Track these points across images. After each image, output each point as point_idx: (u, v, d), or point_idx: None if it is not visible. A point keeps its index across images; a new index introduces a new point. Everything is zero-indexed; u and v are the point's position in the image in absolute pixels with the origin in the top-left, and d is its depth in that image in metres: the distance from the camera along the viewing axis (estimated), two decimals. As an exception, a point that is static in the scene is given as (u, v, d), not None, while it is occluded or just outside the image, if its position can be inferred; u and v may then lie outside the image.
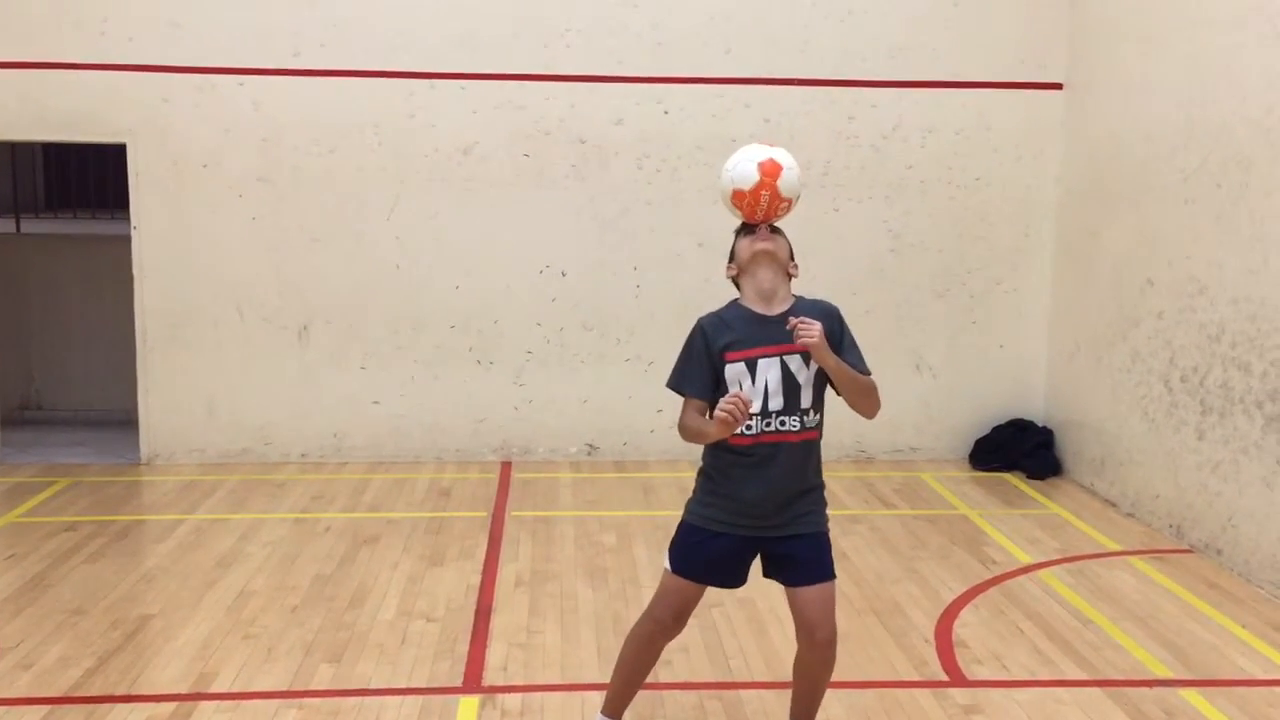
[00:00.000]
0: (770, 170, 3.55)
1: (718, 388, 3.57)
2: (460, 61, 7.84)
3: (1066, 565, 6.05)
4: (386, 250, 7.95)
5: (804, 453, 3.59)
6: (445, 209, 7.94)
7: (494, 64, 7.85)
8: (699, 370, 3.60)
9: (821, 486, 3.69)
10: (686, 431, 3.60)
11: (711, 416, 3.50)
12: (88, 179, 10.09)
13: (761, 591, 4.94)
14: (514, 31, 7.85)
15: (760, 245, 3.59)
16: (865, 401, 3.61)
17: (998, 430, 8.20)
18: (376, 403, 8.06)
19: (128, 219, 7.87)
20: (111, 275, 8.55)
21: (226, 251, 7.87)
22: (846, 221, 8.04)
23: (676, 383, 3.67)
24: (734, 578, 3.73)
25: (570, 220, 8.01)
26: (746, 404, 3.38)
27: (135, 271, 7.83)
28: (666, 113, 7.96)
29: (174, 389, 7.93)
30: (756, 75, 7.95)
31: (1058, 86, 8.04)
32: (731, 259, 3.69)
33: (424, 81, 7.84)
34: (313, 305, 7.95)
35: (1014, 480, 7.82)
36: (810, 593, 3.60)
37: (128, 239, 7.88)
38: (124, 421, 8.59)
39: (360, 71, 7.80)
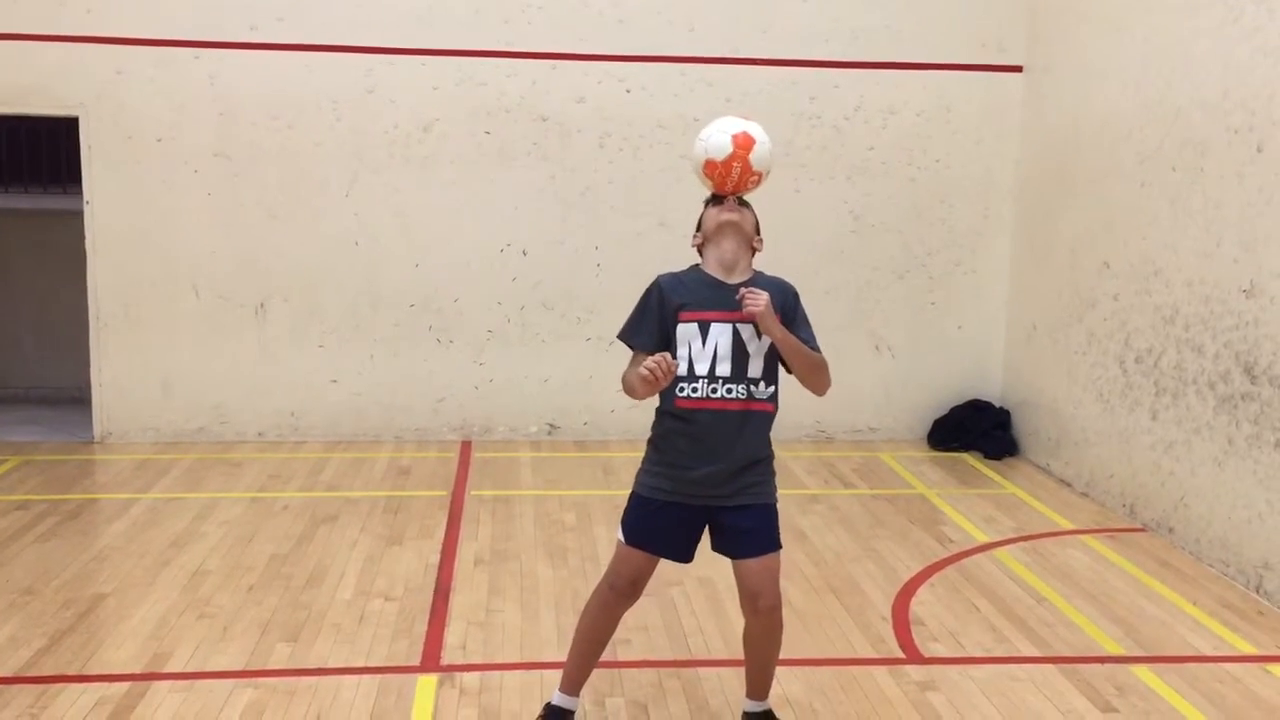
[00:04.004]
0: (744, 143, 3.59)
1: (667, 346, 3.59)
2: (420, 37, 7.76)
3: (1022, 544, 6.12)
4: (345, 227, 7.88)
5: (750, 423, 3.60)
6: (405, 186, 7.88)
7: (454, 40, 7.79)
8: (649, 325, 3.63)
9: (770, 458, 3.71)
10: (624, 383, 3.63)
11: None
12: (39, 152, 9.91)
13: (720, 571, 4.94)
14: (475, 7, 7.78)
15: (726, 216, 3.65)
16: (814, 377, 3.65)
17: (955, 411, 8.27)
18: (335, 381, 7.99)
19: (80, 194, 7.75)
20: (64, 251, 8.41)
21: (182, 227, 7.76)
22: (807, 202, 8.06)
23: (626, 334, 3.71)
24: (684, 549, 3.73)
25: (531, 198, 7.97)
26: (671, 366, 3.42)
27: (88, 247, 7.72)
28: (628, 91, 7.93)
29: (128, 366, 7.83)
30: (719, 54, 7.94)
31: (1017, 69, 8.08)
32: (698, 228, 3.74)
33: (383, 57, 7.76)
34: (270, 283, 7.87)
35: (971, 460, 7.90)
36: (754, 563, 3.63)
37: (80, 214, 7.75)
38: (77, 399, 8.48)
39: (318, 46, 7.71)
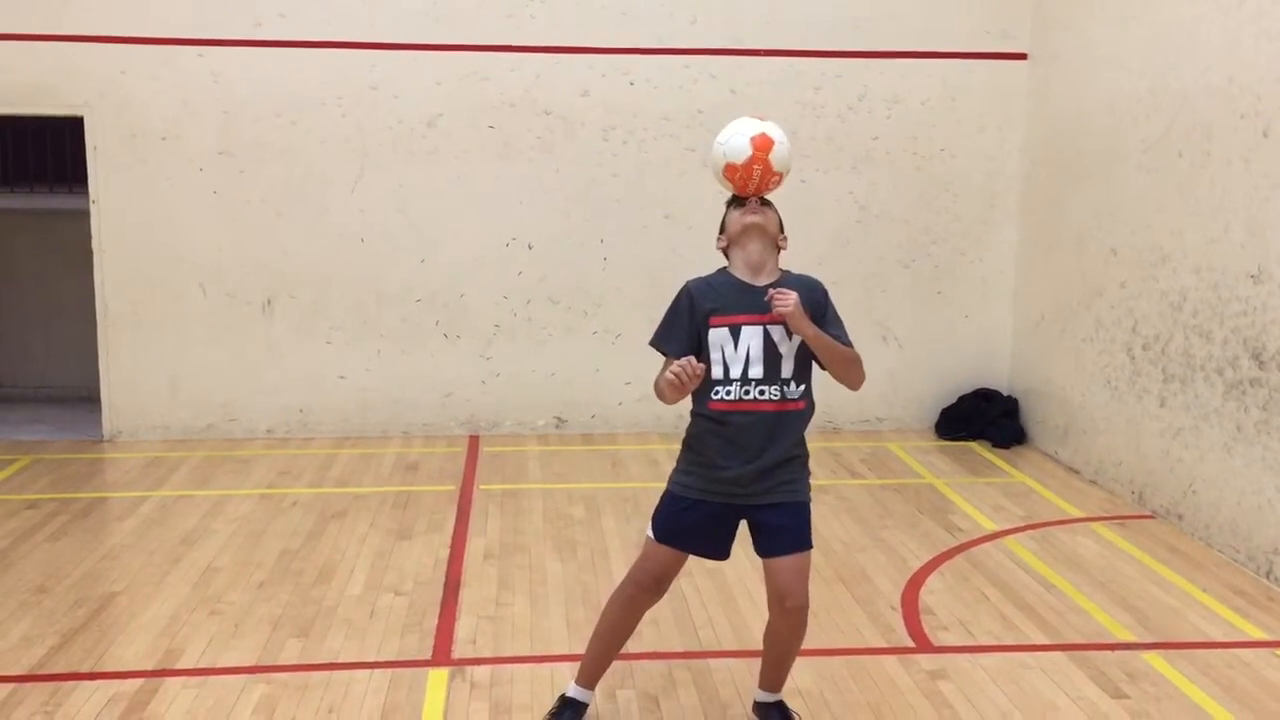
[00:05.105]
0: (762, 145, 3.57)
1: (698, 351, 3.60)
2: (423, 32, 7.76)
3: (1031, 532, 6.11)
4: (351, 223, 7.88)
5: (783, 423, 3.61)
6: (410, 181, 7.88)
7: (458, 35, 7.78)
8: (680, 331, 3.63)
9: (804, 456, 3.72)
10: (655, 389, 3.65)
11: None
12: (45, 152, 9.94)
13: (730, 562, 4.95)
14: (477, 2, 7.77)
15: (750, 218, 3.64)
16: (848, 373, 3.67)
17: (963, 400, 8.26)
18: (342, 377, 8.01)
19: (86, 193, 7.76)
20: (71, 250, 8.43)
21: (188, 226, 7.78)
22: (813, 193, 8.04)
23: (657, 341, 3.71)
24: (717, 547, 3.74)
25: (536, 192, 7.96)
26: (697, 370, 3.42)
27: (95, 246, 7.73)
28: (632, 84, 7.92)
29: (136, 365, 7.85)
30: (722, 46, 7.92)
31: (1022, 57, 8.06)
32: (722, 231, 3.72)
33: (387, 52, 7.75)
34: (276, 279, 7.88)
35: (979, 449, 7.89)
36: (784, 562, 3.62)
37: (87, 213, 7.77)
38: (86, 398, 8.50)
39: (322, 42, 7.71)
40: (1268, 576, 5.41)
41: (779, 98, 7.90)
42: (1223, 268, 5.79)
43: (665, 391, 3.53)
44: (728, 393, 3.57)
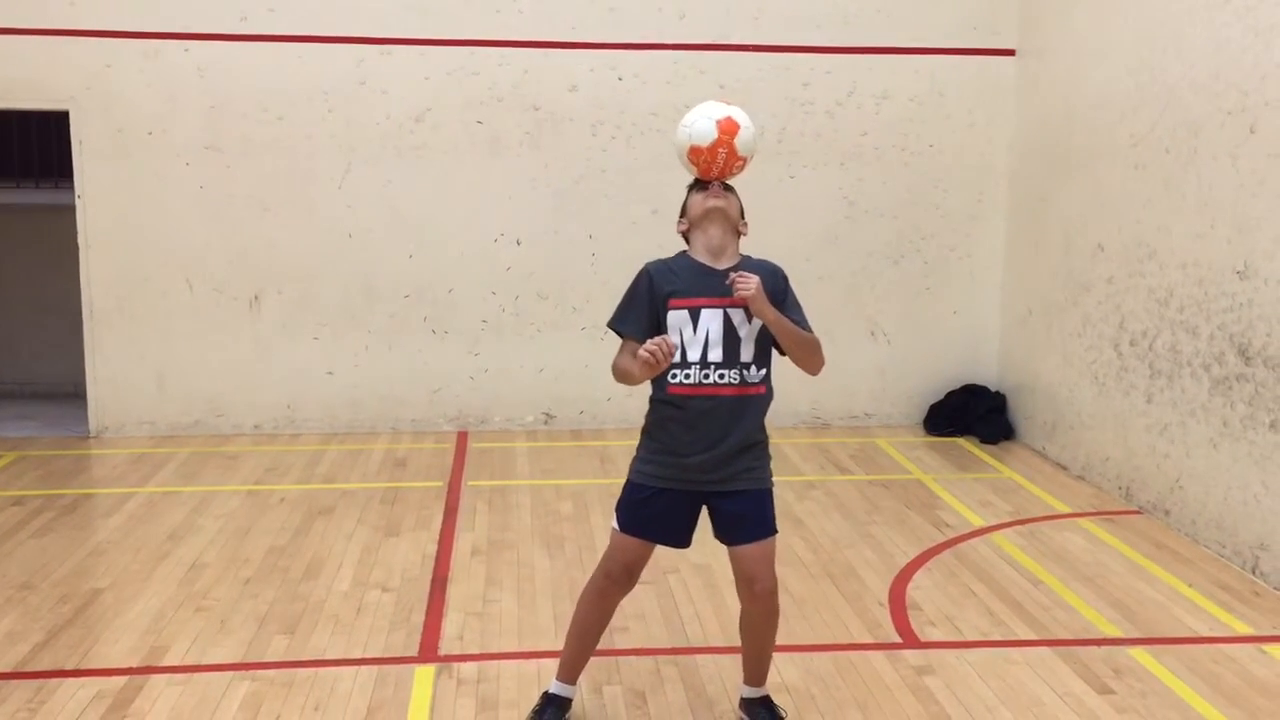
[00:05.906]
0: (728, 128, 3.57)
1: (657, 333, 3.57)
2: (411, 27, 7.74)
3: (1018, 528, 6.13)
4: (338, 219, 7.86)
5: (743, 408, 3.60)
6: (398, 177, 7.86)
7: (446, 30, 7.76)
8: (640, 313, 3.63)
9: (765, 442, 3.71)
10: (616, 370, 3.64)
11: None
12: (30, 147, 9.90)
13: (717, 557, 4.95)
14: (465, -4, 7.76)
15: (712, 202, 3.63)
16: (808, 357, 3.64)
17: (951, 395, 8.27)
18: (330, 373, 7.98)
19: (72, 188, 7.72)
20: (56, 246, 8.39)
21: (174, 221, 7.74)
22: (802, 188, 8.04)
23: (616, 322, 3.70)
24: (680, 536, 3.73)
25: (524, 188, 7.95)
26: (671, 347, 3.40)
27: (80, 242, 7.70)
28: (620, 79, 7.91)
29: (123, 361, 7.81)
30: (710, 41, 7.92)
31: (1010, 53, 8.07)
32: (683, 214, 3.72)
33: (374, 47, 7.73)
34: (264, 275, 7.85)
35: (967, 445, 7.90)
36: (750, 549, 3.63)
37: (72, 209, 7.73)
38: (72, 394, 8.46)
39: (309, 37, 7.68)
40: (1253, 572, 5.43)
41: (767, 93, 7.90)
42: (1209, 264, 5.81)
43: (633, 371, 3.50)
44: (687, 376, 3.56)
